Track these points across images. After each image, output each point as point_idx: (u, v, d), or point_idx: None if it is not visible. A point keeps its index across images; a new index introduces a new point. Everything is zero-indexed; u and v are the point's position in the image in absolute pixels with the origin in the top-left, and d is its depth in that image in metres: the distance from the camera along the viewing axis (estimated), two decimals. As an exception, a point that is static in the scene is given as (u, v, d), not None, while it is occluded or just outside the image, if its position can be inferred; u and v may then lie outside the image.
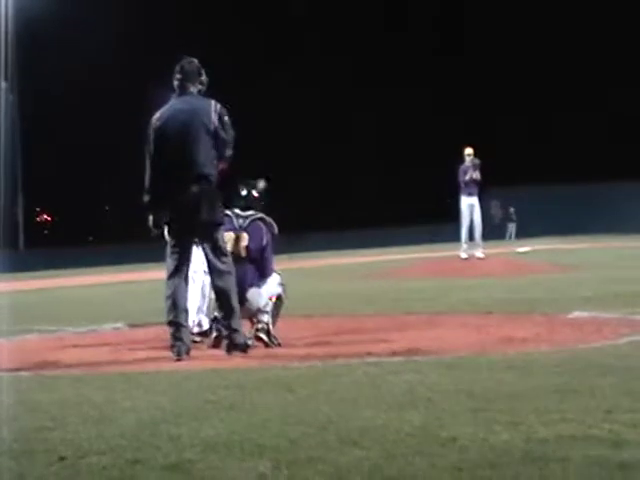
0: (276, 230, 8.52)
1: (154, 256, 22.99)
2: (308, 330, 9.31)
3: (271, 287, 8.38)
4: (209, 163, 7.69)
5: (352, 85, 58.48)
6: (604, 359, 6.45)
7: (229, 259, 7.79)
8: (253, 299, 8.20)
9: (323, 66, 57.43)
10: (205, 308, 8.98)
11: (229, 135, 7.74)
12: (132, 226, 50.70)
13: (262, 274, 8.36)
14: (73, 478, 3.91)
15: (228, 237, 8.13)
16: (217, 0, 57.19)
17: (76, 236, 56.41)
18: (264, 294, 8.28)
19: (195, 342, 8.24)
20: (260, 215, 8.50)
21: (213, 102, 7.76)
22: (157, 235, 7.96)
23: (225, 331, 7.70)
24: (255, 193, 8.61)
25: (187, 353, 7.55)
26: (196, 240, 7.86)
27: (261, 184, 8.54)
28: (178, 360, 7.41)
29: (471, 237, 20.61)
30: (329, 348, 7.87)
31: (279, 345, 8.10)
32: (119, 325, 10.84)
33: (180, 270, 7.72)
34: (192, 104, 7.79)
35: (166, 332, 7.75)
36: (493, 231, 37.77)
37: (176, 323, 7.59)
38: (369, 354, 7.21)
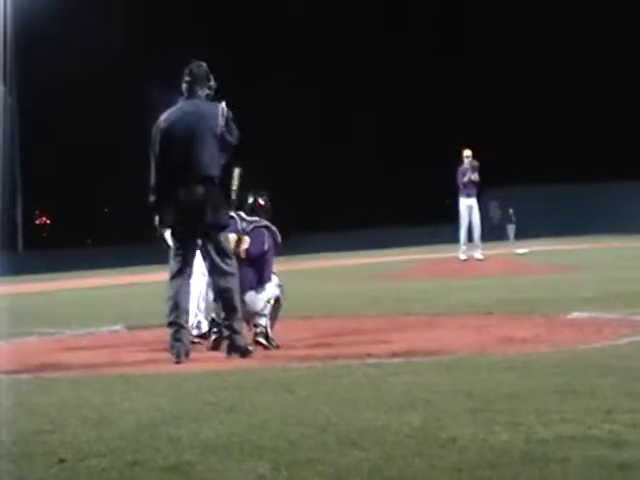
0: (279, 239, 8.55)
1: (153, 258, 23.04)
2: (308, 331, 9.32)
3: (269, 291, 8.39)
4: (214, 165, 7.71)
5: (352, 85, 58.49)
6: (604, 359, 6.44)
7: (233, 261, 7.80)
8: (251, 302, 8.20)
9: (323, 66, 57.44)
10: (204, 310, 8.97)
11: (234, 137, 7.77)
12: (131, 228, 50.79)
13: (261, 279, 8.38)
14: (72, 480, 3.90)
15: (230, 238, 8.15)
16: (217, 0, 57.22)
17: (75, 239, 56.41)
18: (262, 298, 8.29)
19: (194, 344, 8.23)
20: (265, 223, 8.56)
21: (220, 106, 7.77)
22: (161, 235, 7.95)
23: (226, 331, 7.69)
24: (261, 201, 8.67)
25: (186, 355, 7.54)
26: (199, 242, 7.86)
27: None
28: (177, 362, 7.41)
29: (470, 238, 20.65)
30: (329, 349, 7.87)
31: (277, 347, 8.10)
32: (118, 327, 10.84)
33: (183, 272, 7.73)
34: (199, 107, 7.81)
35: (165, 334, 7.75)
36: (492, 232, 37.79)
37: (177, 324, 7.58)
38: (369, 355, 7.21)
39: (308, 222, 52.60)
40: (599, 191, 49.73)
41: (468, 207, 20.35)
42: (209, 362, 7.51)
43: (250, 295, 8.22)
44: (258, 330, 8.14)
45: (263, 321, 8.19)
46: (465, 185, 20.17)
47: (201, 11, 56.26)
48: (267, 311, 8.26)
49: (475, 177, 20.06)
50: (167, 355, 7.58)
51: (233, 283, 7.73)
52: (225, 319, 7.71)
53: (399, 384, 5.74)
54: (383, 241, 46.93)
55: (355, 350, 7.61)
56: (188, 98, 7.89)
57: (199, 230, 7.71)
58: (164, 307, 7.71)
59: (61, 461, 4.13)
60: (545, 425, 4.41)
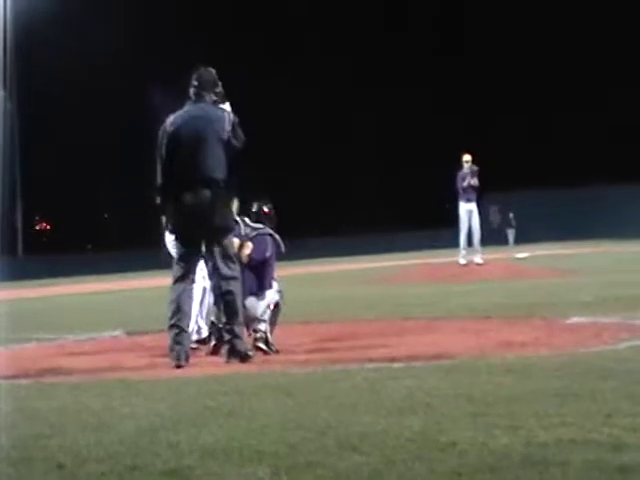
0: (283, 248, 8.57)
1: (153, 264, 23.03)
2: (307, 336, 9.32)
3: (269, 297, 8.39)
4: (220, 169, 7.73)
5: (352, 85, 58.47)
6: (604, 363, 6.43)
7: (236, 265, 7.81)
8: (251, 307, 8.20)
9: (323, 66, 57.43)
10: (204, 315, 8.97)
11: (240, 142, 7.80)
12: (131, 234, 50.76)
13: (262, 285, 8.38)
14: (72, 485, 3.90)
15: (233, 243, 8.16)
16: (217, 0, 57.24)
17: (75, 244, 56.36)
18: (262, 304, 8.29)
19: (193, 349, 8.22)
20: (269, 231, 8.58)
21: (227, 113, 7.82)
22: (168, 253, 7.97)
23: (227, 335, 7.69)
24: (266, 209, 8.70)
25: (186, 359, 7.53)
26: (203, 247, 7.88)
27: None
28: (177, 366, 7.40)
29: (470, 243, 20.68)
30: (328, 354, 7.87)
31: (277, 352, 8.10)
32: (118, 333, 10.83)
33: (186, 276, 7.75)
34: (206, 111, 7.84)
35: (164, 339, 7.74)
36: (492, 236, 37.80)
37: (178, 327, 7.58)
38: (368, 359, 7.21)
39: (308, 224, 52.60)
40: (598, 195, 49.72)
41: (468, 212, 20.40)
42: (209, 367, 7.50)
43: (251, 300, 8.22)
44: (258, 335, 8.14)
45: (263, 326, 8.19)
46: (465, 190, 20.21)
47: (201, 11, 56.25)
48: (267, 316, 8.27)
49: (475, 182, 20.11)
50: (166, 360, 7.57)
51: (235, 287, 7.74)
52: (226, 323, 7.71)
53: (399, 388, 5.73)
54: (383, 246, 46.91)
55: (354, 354, 7.61)
56: (195, 102, 7.92)
57: (204, 233, 7.73)
58: (166, 311, 7.71)
59: (60, 466, 4.13)
60: (545, 428, 4.40)
